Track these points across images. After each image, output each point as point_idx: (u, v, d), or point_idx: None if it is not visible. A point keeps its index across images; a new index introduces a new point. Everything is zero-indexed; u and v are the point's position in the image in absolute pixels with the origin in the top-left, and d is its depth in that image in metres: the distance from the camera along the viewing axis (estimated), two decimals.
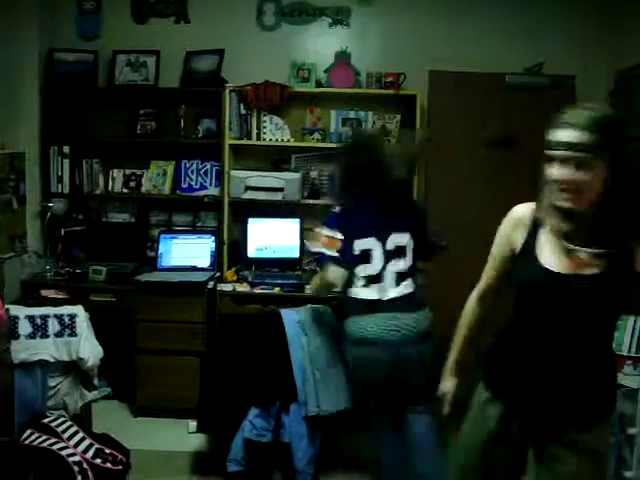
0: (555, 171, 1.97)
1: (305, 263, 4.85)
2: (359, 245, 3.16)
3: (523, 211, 2.20)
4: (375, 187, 3.25)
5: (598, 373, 2.12)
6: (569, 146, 1.93)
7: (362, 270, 3.16)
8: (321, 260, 3.27)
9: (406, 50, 4.88)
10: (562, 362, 2.08)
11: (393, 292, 3.15)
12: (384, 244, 3.17)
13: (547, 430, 2.14)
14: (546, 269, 2.06)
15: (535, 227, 2.13)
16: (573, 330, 2.05)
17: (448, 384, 2.49)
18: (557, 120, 1.99)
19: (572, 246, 2.02)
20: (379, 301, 3.14)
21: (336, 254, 3.14)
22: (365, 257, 3.16)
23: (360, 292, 3.17)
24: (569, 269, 2.03)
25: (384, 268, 3.15)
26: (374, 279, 3.16)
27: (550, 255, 2.08)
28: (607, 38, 4.76)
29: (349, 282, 3.19)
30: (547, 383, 2.10)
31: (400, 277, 3.17)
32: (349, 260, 3.16)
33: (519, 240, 2.17)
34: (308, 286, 3.69)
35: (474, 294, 2.43)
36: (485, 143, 4.46)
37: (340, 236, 3.15)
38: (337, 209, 3.25)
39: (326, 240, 3.16)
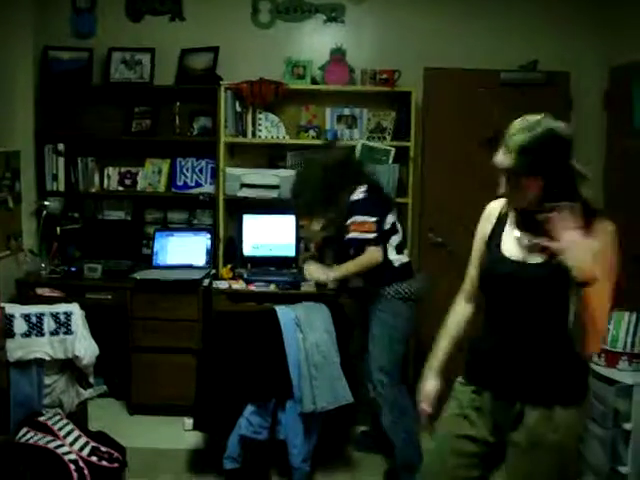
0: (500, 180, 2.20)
1: (301, 260, 4.85)
2: (388, 220, 3.73)
3: (493, 206, 2.39)
4: (366, 177, 3.86)
5: (553, 358, 2.18)
6: (501, 167, 2.16)
7: (395, 240, 3.74)
8: (360, 244, 3.63)
9: (401, 47, 4.88)
10: (519, 345, 2.20)
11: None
12: (396, 217, 3.82)
13: (508, 413, 2.21)
14: (504, 256, 2.24)
15: (501, 220, 2.32)
16: (526, 314, 2.19)
17: (430, 384, 2.50)
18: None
19: (524, 236, 2.21)
20: (410, 262, 3.83)
21: (375, 235, 3.60)
22: (394, 229, 3.76)
23: (396, 259, 3.73)
24: (522, 257, 2.20)
25: (403, 236, 3.86)
26: (402, 245, 3.84)
27: (509, 245, 2.25)
28: (602, 34, 4.76)
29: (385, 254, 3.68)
30: (507, 365, 2.21)
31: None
32: (383, 235, 3.67)
33: (488, 232, 2.35)
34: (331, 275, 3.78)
35: (460, 295, 2.52)
36: (480, 141, 4.46)
37: (374, 219, 3.61)
38: (361, 196, 3.67)
39: (367, 226, 3.60)
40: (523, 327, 2.20)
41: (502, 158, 2.14)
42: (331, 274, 3.74)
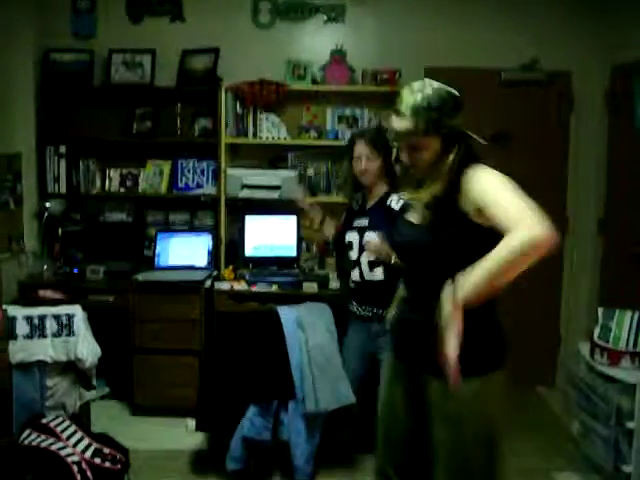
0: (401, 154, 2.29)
1: (303, 261, 4.86)
2: None
3: None
4: None
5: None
6: (399, 134, 2.22)
7: None
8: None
9: (402, 47, 4.87)
10: (420, 308, 2.24)
11: None
12: None
13: (416, 381, 2.29)
14: (404, 219, 2.37)
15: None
16: (424, 280, 2.25)
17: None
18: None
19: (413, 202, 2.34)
20: None
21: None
22: None
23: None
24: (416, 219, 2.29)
25: None
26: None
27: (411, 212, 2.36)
28: (603, 33, 4.75)
29: None
30: (408, 336, 2.31)
31: None
32: None
33: None
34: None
35: None
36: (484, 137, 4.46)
37: None
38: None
39: None
40: (422, 294, 2.25)
41: (399, 123, 2.19)
42: None
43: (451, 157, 2.19)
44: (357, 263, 3.60)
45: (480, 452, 2.20)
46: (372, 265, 3.52)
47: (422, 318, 2.20)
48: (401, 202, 3.26)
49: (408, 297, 2.36)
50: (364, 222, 3.60)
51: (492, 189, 2.09)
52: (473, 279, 1.98)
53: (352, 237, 3.64)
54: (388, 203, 3.51)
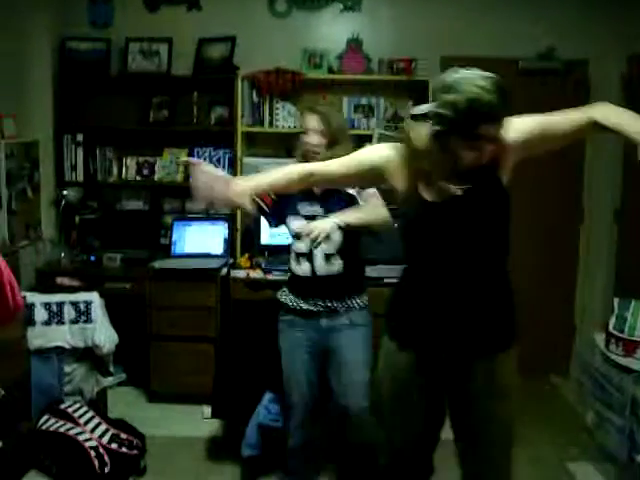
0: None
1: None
2: None
3: (389, 154, 2.28)
4: None
5: (495, 303, 2.20)
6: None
7: None
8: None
9: (418, 36, 4.86)
10: (458, 294, 2.16)
11: None
12: None
13: (456, 368, 2.23)
14: (425, 201, 2.17)
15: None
16: (463, 258, 2.15)
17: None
18: None
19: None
20: None
21: None
22: None
23: None
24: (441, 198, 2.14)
25: None
26: None
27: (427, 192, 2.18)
28: (620, 22, 4.72)
29: None
30: (448, 317, 2.19)
31: None
32: None
33: (397, 180, 2.25)
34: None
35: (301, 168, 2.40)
36: None
37: None
38: None
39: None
40: (464, 277, 2.16)
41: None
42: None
43: None
44: (307, 256, 3.11)
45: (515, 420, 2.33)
46: (330, 257, 3.09)
47: (467, 302, 2.17)
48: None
49: (435, 285, 2.20)
50: (315, 209, 3.12)
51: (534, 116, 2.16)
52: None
53: (299, 226, 3.10)
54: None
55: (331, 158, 2.51)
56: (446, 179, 2.10)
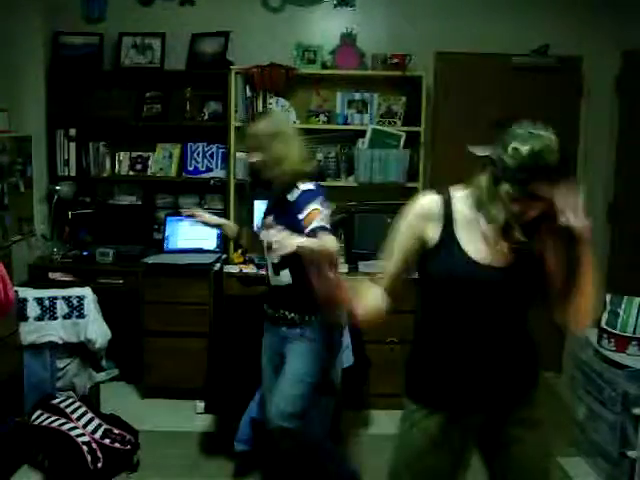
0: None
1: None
2: None
3: (430, 204, 2.15)
4: None
5: (523, 351, 2.21)
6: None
7: None
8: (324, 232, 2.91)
9: (412, 31, 4.85)
10: (490, 350, 2.11)
11: None
12: None
13: (496, 418, 2.19)
14: (470, 259, 2.04)
15: (449, 220, 2.10)
16: (495, 319, 2.10)
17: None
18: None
19: (501, 240, 2.02)
20: None
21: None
22: None
23: None
24: (491, 261, 2.04)
25: None
26: None
27: (473, 247, 2.06)
28: (614, 18, 4.73)
29: None
30: (481, 373, 2.12)
31: None
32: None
33: (433, 233, 2.10)
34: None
35: (378, 290, 2.17)
36: (491, 124, 4.45)
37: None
38: (314, 185, 3.06)
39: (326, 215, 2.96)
40: (494, 332, 2.10)
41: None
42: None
43: None
44: (266, 265, 3.22)
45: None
46: (277, 268, 3.09)
47: (502, 358, 2.14)
48: None
49: (470, 342, 2.11)
50: (269, 219, 3.15)
51: None
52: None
53: (263, 236, 3.18)
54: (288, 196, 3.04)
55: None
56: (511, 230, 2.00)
